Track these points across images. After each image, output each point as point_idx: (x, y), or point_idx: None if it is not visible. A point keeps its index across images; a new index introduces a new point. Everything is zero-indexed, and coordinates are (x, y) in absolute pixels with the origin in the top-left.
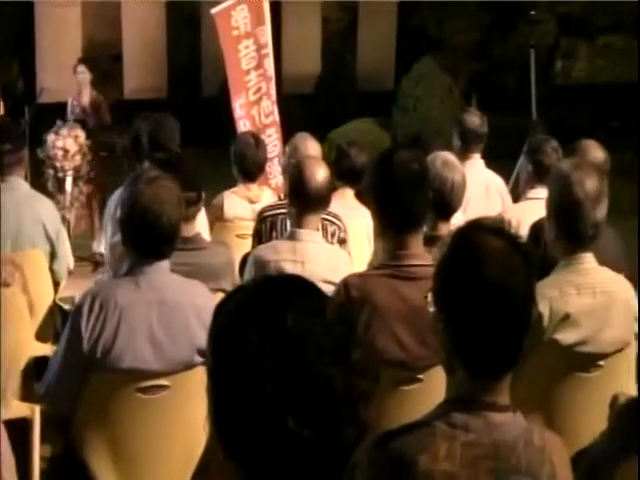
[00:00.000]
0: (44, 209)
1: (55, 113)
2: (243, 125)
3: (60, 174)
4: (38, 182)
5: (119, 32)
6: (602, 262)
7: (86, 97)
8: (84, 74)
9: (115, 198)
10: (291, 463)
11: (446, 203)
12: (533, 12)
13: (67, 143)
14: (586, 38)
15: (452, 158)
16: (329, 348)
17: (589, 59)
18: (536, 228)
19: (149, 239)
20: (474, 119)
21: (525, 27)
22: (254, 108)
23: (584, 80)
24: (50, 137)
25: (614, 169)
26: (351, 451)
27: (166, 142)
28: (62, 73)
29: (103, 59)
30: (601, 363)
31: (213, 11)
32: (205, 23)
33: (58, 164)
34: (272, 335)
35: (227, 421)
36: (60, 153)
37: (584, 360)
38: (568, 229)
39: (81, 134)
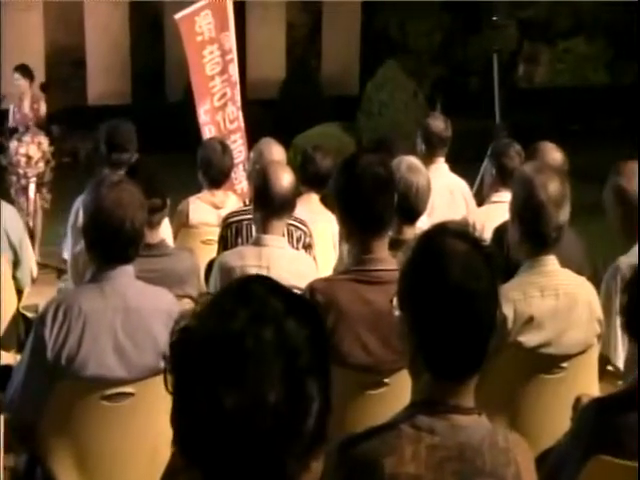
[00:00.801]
0: (7, 216)
1: None
2: (208, 131)
3: (23, 181)
4: (1, 189)
5: (82, 37)
6: (564, 264)
7: (27, 104)
8: (18, 81)
9: (77, 206)
10: (248, 468)
11: (411, 207)
12: (495, 18)
13: (30, 150)
14: (547, 42)
15: (417, 162)
16: (291, 356)
17: (551, 63)
18: (500, 231)
19: (113, 243)
20: (438, 123)
21: (488, 31)
22: (219, 114)
23: (546, 84)
24: (13, 144)
25: (574, 171)
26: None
27: (123, 144)
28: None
29: (66, 64)
30: (564, 365)
31: (177, 17)
32: (169, 28)
33: (21, 171)
34: (230, 347)
35: (185, 427)
36: (23, 160)
37: (548, 362)
38: (531, 232)
39: (44, 141)
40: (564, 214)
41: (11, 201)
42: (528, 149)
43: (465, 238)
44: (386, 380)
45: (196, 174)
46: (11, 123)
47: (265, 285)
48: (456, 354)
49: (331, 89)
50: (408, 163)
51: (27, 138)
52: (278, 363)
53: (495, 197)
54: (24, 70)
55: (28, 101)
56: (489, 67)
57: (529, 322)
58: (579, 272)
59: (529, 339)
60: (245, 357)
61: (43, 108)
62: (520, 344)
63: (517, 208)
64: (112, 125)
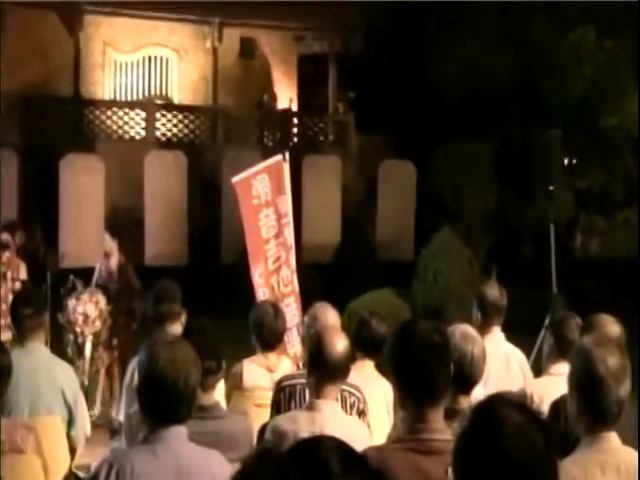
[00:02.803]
0: (64, 375)
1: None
2: (262, 293)
3: (80, 339)
4: (58, 347)
5: (141, 198)
6: (624, 439)
7: (114, 263)
8: (109, 241)
9: (132, 366)
10: None
11: (466, 376)
12: (552, 187)
13: (87, 308)
14: (604, 213)
15: (471, 330)
16: None
17: (607, 234)
18: (558, 405)
19: (166, 401)
20: (494, 292)
21: (543, 200)
22: (273, 277)
23: (603, 255)
24: (71, 302)
25: (631, 342)
26: None
27: (167, 297)
28: (84, 239)
29: (125, 224)
30: None
31: (234, 180)
32: (226, 191)
33: (78, 329)
34: None
35: None
36: (80, 318)
37: None
38: (591, 406)
39: (102, 299)
40: (624, 389)
41: (68, 359)
42: (585, 321)
43: (522, 410)
44: None
45: (250, 336)
46: (97, 281)
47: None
48: None
49: (386, 254)
50: (462, 331)
51: (85, 296)
52: None
53: (553, 369)
54: (113, 230)
55: (116, 260)
56: (544, 235)
57: None
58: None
59: None
60: None
61: (136, 282)
62: None
63: (576, 381)
64: (159, 283)
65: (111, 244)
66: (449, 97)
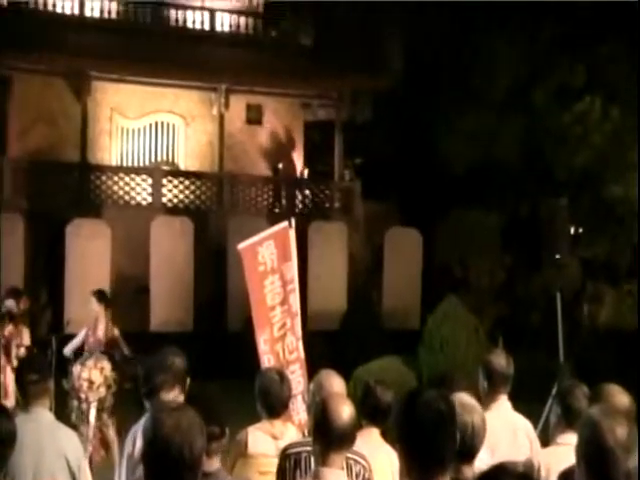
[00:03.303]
0: (68, 442)
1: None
2: (267, 360)
3: (84, 405)
4: (63, 413)
5: (147, 264)
6: None
7: (101, 329)
8: (93, 305)
9: (132, 434)
10: None
11: (468, 447)
12: (558, 256)
13: (92, 374)
14: (610, 283)
15: (470, 400)
16: None
17: (614, 304)
18: (566, 476)
19: (171, 470)
20: (500, 360)
21: (550, 269)
22: (278, 344)
23: (610, 324)
24: (76, 368)
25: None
26: None
27: (160, 371)
28: (89, 303)
29: (130, 291)
30: None
31: (240, 247)
32: (232, 258)
33: (83, 395)
34: None
35: None
36: (85, 384)
37: None
38: (599, 477)
39: (107, 366)
40: (633, 460)
41: (72, 426)
42: (593, 390)
43: None
44: None
45: (255, 403)
46: (81, 345)
47: None
48: None
49: (392, 322)
50: (461, 401)
51: (90, 363)
52: None
53: (560, 439)
54: (100, 295)
55: (103, 326)
56: (551, 304)
57: None
58: None
59: None
60: None
61: (116, 333)
62: None
63: (584, 452)
64: (153, 354)
65: (97, 309)
66: (456, 166)
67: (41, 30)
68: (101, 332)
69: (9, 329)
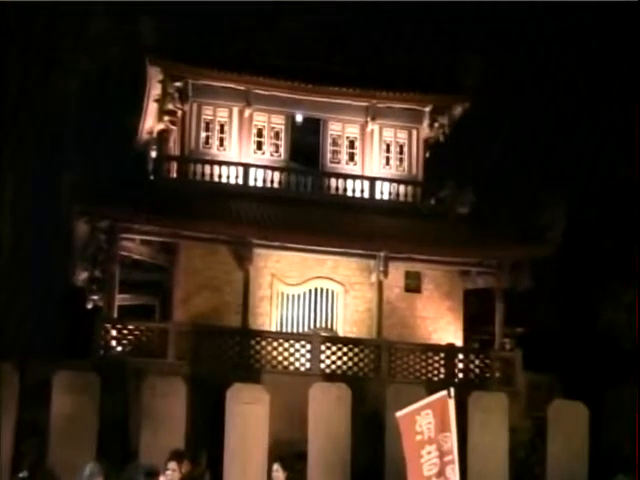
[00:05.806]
0: None
1: None
2: None
3: None
4: None
5: (304, 430)
6: None
7: None
8: (281, 472)
9: None
10: None
11: None
12: None
13: None
14: None
15: None
16: None
17: None
18: None
19: None
20: None
21: None
22: None
23: None
24: None
25: None
26: None
27: None
28: (248, 468)
29: (287, 456)
30: None
31: (398, 414)
32: (389, 425)
33: None
34: None
35: None
36: None
37: None
38: None
39: None
40: None
41: None
42: None
43: None
44: None
45: None
46: None
47: None
48: None
49: None
50: None
51: None
52: None
53: None
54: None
55: None
56: None
57: None
58: None
59: None
60: None
61: None
62: None
63: None
64: None
65: (281, 476)
66: (622, 339)
67: (207, 200)
68: None
69: None
